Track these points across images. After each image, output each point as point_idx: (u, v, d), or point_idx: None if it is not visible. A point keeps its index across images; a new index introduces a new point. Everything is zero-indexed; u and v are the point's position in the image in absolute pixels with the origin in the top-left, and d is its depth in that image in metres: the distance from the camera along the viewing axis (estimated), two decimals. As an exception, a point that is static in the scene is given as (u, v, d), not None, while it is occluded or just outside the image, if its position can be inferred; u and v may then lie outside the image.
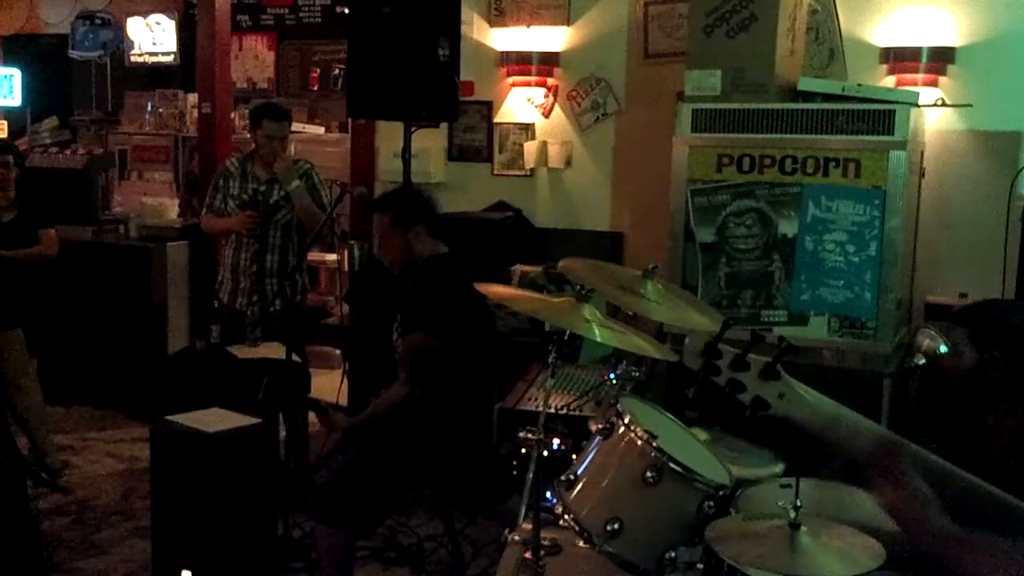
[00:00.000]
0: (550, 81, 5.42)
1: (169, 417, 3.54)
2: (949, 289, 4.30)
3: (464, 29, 4.89)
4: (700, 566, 2.36)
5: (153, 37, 7.60)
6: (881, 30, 4.66)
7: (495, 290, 2.51)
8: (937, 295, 4.42)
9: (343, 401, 4.83)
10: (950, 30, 4.56)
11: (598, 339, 2.35)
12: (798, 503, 1.91)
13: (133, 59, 7.69)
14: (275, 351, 4.08)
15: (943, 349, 3.79)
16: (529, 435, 2.38)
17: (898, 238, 3.87)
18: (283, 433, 4.31)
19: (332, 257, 6.26)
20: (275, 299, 4.51)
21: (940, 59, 4.55)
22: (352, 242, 5.51)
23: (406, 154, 4.64)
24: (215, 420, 3.50)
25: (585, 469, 2.38)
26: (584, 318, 2.40)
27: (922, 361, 3.84)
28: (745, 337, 4.01)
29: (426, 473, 3.46)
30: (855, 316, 3.95)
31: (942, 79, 4.57)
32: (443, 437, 3.39)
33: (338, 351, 6.09)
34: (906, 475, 1.45)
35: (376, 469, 3.30)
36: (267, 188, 4.65)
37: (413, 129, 4.64)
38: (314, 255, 6.09)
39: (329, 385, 4.87)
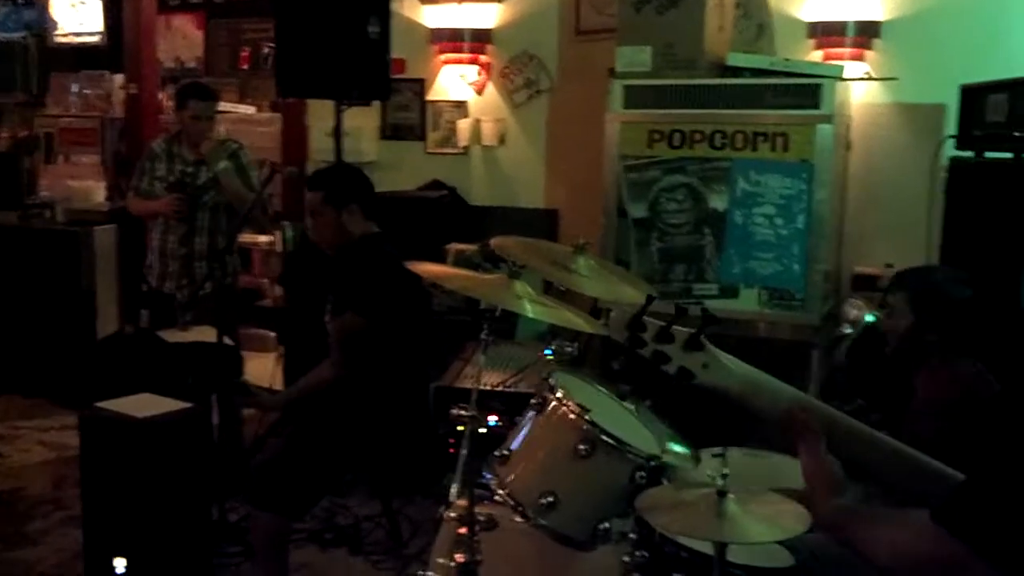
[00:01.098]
0: (483, 58, 5.40)
1: (99, 404, 3.48)
2: (876, 260, 4.38)
3: (395, 6, 4.85)
4: (633, 536, 2.40)
5: (78, 17, 7.39)
6: (808, 5, 4.72)
7: (426, 268, 2.50)
8: (864, 266, 4.50)
9: (278, 384, 4.80)
10: (876, 4, 4.63)
11: (530, 315, 2.35)
12: (725, 472, 1.94)
13: (58, 39, 7.46)
14: (206, 335, 4.02)
15: (869, 319, 3.90)
16: (461, 412, 2.38)
17: (825, 211, 3.94)
18: (217, 417, 4.26)
19: (265, 239, 6.20)
20: (205, 282, 4.45)
21: (866, 33, 4.62)
22: (285, 223, 5.45)
23: (338, 133, 4.60)
24: (145, 405, 3.45)
25: (518, 444, 2.39)
26: (516, 294, 2.40)
27: (849, 330, 3.95)
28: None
29: (361, 454, 3.45)
30: (784, 288, 4.01)
31: (868, 53, 4.64)
32: (377, 417, 3.39)
33: (273, 334, 6.03)
34: (816, 445, 1.48)
35: (309, 451, 3.29)
36: (194, 169, 4.57)
37: (344, 108, 4.59)
38: (247, 237, 6.02)
39: (264, 368, 4.83)
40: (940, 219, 3.92)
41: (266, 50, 7.10)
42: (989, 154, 3.60)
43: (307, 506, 3.38)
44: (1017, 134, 3.24)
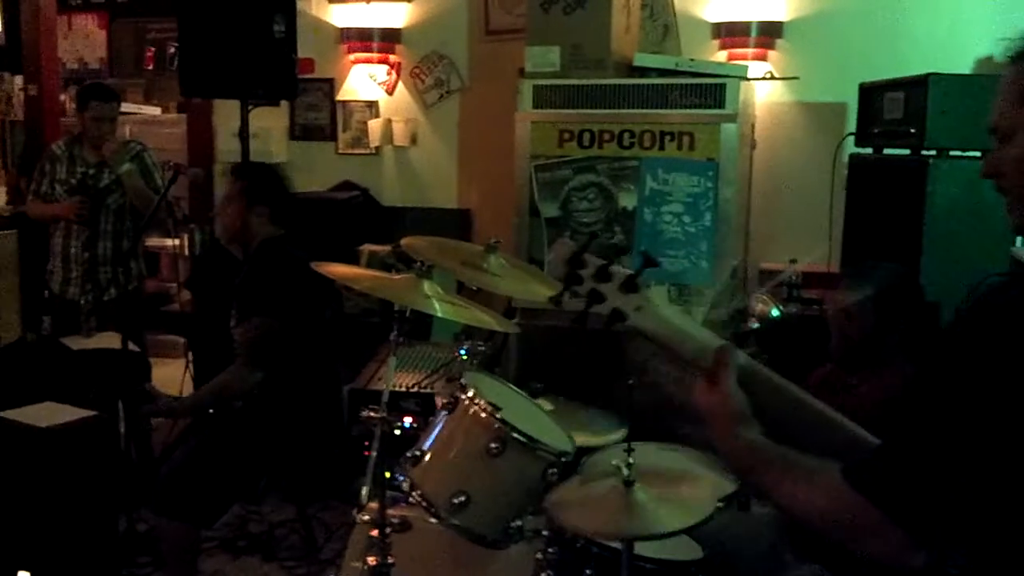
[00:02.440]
0: (392, 58, 5.37)
1: (0, 413, 3.37)
2: (781, 255, 4.48)
3: (302, 5, 4.80)
4: (545, 533, 2.42)
5: (-25, 17, 7.16)
6: (712, 5, 4.81)
7: (334, 270, 2.47)
8: (769, 261, 4.60)
9: (188, 391, 4.71)
10: (778, 5, 4.73)
11: (439, 314, 2.36)
12: (631, 461, 1.97)
13: (-47, 40, 7.22)
14: (111, 341, 3.93)
15: (775, 313, 3.98)
16: (372, 414, 2.36)
17: (731, 208, 4.00)
18: (124, 426, 4.16)
19: (172, 242, 6.06)
20: (109, 287, 4.34)
21: (769, 34, 4.72)
22: (192, 226, 5.35)
23: (244, 134, 4.53)
24: (48, 414, 3.35)
25: (430, 444, 2.39)
26: (425, 294, 2.40)
27: (756, 325, 4.02)
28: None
29: (273, 459, 3.40)
30: (693, 284, 4.07)
31: (771, 53, 4.74)
32: (288, 421, 3.35)
33: (181, 339, 5.91)
34: (725, 379, 1.48)
35: (217, 458, 3.23)
36: (96, 172, 4.46)
37: (251, 108, 4.52)
38: (154, 241, 5.89)
39: (172, 375, 4.72)
40: (842, 214, 4.03)
41: (172, 50, 6.97)
42: (888, 150, 3.71)
43: (217, 513, 3.32)
44: (913, 131, 3.35)
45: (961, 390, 1.21)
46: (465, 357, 3.76)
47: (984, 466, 1.18)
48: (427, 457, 2.35)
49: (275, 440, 3.34)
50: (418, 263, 2.47)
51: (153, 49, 7.12)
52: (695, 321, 1.59)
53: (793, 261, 4.28)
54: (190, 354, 4.96)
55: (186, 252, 5.39)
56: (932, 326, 3.02)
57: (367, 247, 5.06)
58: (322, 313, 3.52)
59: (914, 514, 1.22)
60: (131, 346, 3.87)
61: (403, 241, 2.79)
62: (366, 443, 3.74)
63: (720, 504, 2.18)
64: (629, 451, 2.27)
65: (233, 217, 3.43)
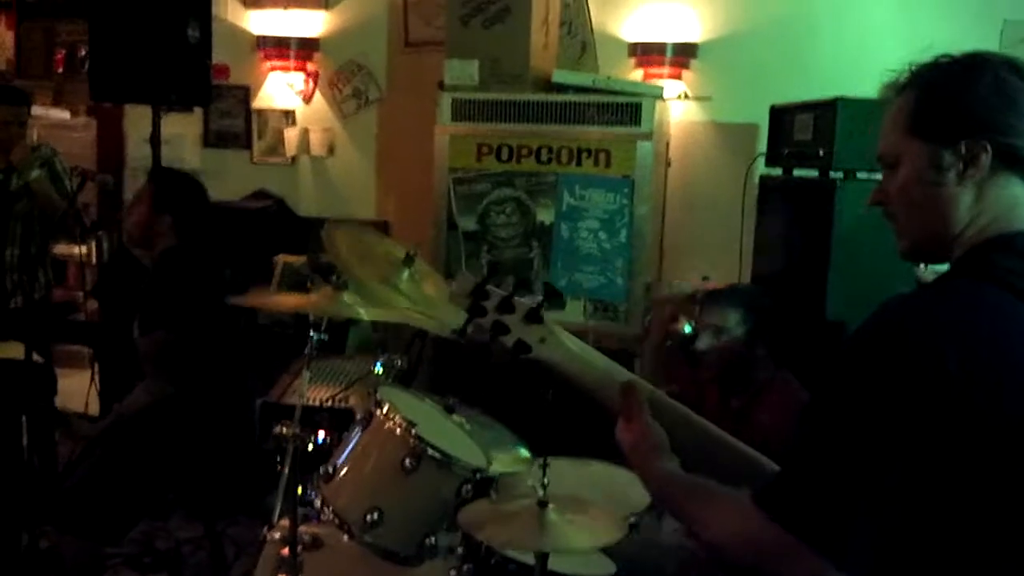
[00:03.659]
0: (310, 66, 5.32)
1: None
2: (694, 272, 4.56)
3: (217, 10, 4.73)
4: (460, 550, 2.41)
5: None
6: (629, 25, 4.87)
7: (254, 300, 2.44)
8: (682, 278, 4.67)
9: (94, 402, 4.59)
10: (693, 26, 4.82)
11: (366, 319, 2.35)
12: (545, 482, 1.98)
13: None
14: (15, 351, 3.80)
15: (687, 330, 4.04)
16: (284, 430, 2.33)
17: (646, 225, 4.07)
18: (27, 439, 4.03)
19: (80, 250, 5.90)
20: (16, 294, 4.21)
21: (683, 54, 4.81)
22: (100, 233, 5.21)
23: (155, 140, 4.44)
24: (-55, 428, 3.23)
25: (344, 460, 2.37)
26: (346, 303, 2.39)
27: (668, 342, 4.09)
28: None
29: (178, 474, 3.33)
30: (608, 300, 4.12)
31: (685, 73, 4.83)
32: (195, 436, 3.28)
33: (88, 349, 5.75)
34: (640, 416, 1.51)
35: (121, 473, 3.16)
36: (3, 177, 4.32)
37: (162, 113, 4.44)
38: (61, 248, 5.72)
39: (79, 386, 4.60)
40: (752, 233, 4.11)
41: (83, 52, 6.77)
42: (797, 171, 3.80)
43: (122, 530, 3.24)
44: (822, 152, 3.44)
45: (852, 406, 1.24)
46: (380, 371, 3.74)
47: (882, 480, 1.21)
48: (340, 473, 2.33)
49: (181, 454, 3.28)
50: (334, 276, 2.45)
51: (63, 51, 6.91)
52: (597, 352, 1.61)
53: (706, 278, 4.36)
54: (97, 364, 4.83)
55: (94, 260, 5.25)
56: (835, 346, 3.10)
57: (282, 258, 4.99)
58: (229, 325, 3.46)
59: (825, 536, 1.24)
60: (36, 357, 3.75)
61: (324, 229, 2.75)
62: (278, 458, 3.73)
63: (633, 520, 2.22)
64: (544, 467, 2.29)
65: (137, 220, 3.38)
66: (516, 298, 1.56)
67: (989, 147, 1.31)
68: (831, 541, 1.24)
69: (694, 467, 1.49)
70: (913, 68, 1.41)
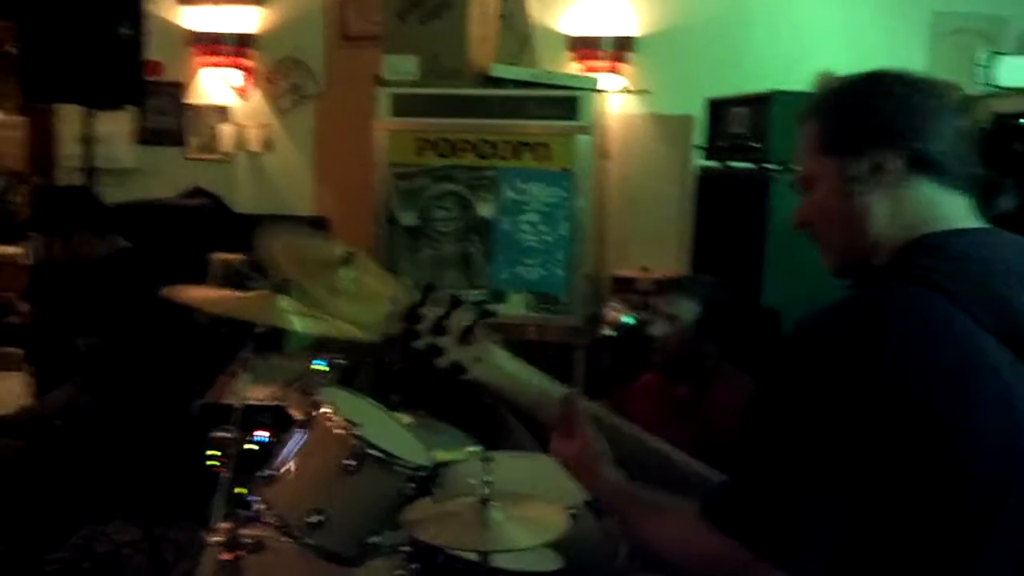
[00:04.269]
0: (245, 62, 5.25)
1: None
2: (634, 263, 4.59)
3: (150, 7, 4.64)
4: (405, 548, 2.40)
5: None
6: (567, 19, 4.88)
7: (184, 294, 2.40)
8: (623, 269, 4.70)
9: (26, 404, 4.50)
10: (631, 20, 4.84)
11: (299, 329, 2.32)
12: (489, 480, 1.99)
13: None
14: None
15: (628, 320, 4.06)
16: (224, 435, 2.31)
17: (586, 218, 4.09)
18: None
19: (13, 250, 5.77)
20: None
21: (622, 47, 4.83)
22: (33, 234, 5.09)
23: (88, 140, 4.35)
24: None
25: (284, 463, 2.35)
26: (281, 309, 2.36)
27: (610, 333, 4.10)
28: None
29: (115, 478, 3.28)
30: (549, 293, 4.13)
31: (624, 66, 4.85)
32: (130, 439, 3.23)
33: (20, 351, 5.63)
34: (580, 427, 1.52)
35: (55, 478, 3.10)
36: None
37: (95, 112, 4.35)
38: (-7, 249, 5.59)
39: (10, 389, 4.50)
40: (691, 223, 4.15)
41: (13, 50, 6.61)
42: (734, 164, 3.84)
43: (62, 535, 3.18)
44: (758, 146, 3.48)
45: (789, 412, 1.25)
46: (321, 369, 3.71)
47: (822, 482, 1.23)
48: (281, 476, 2.31)
49: (117, 458, 3.22)
50: (272, 279, 2.42)
51: (-8, 50, 6.74)
52: (533, 370, 1.62)
53: (645, 269, 4.39)
54: (30, 367, 4.73)
55: (26, 261, 5.13)
56: (772, 334, 3.15)
57: (219, 256, 4.93)
58: (164, 327, 3.40)
59: (771, 542, 1.25)
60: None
61: (259, 238, 2.72)
62: (217, 460, 3.70)
63: (573, 512, 2.23)
64: (486, 461, 2.29)
65: (62, 247, 3.32)
66: (450, 320, 1.55)
67: (896, 154, 1.35)
68: (777, 547, 1.25)
69: (638, 480, 1.50)
70: (815, 95, 1.45)
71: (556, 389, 1.58)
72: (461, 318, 1.56)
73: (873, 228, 1.37)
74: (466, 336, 1.54)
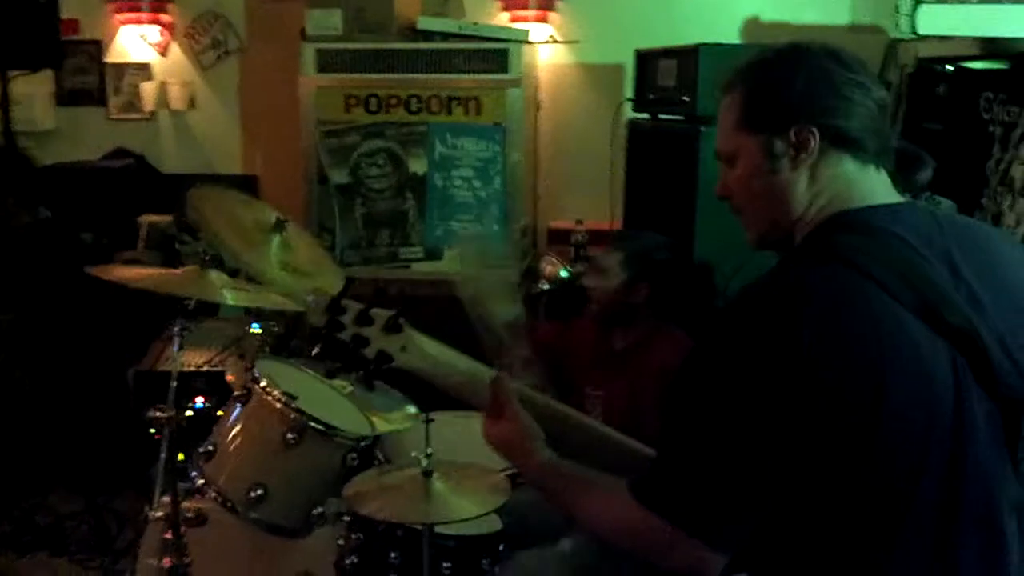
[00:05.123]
0: (164, 18, 5.09)
1: None
2: (569, 215, 4.59)
3: (65, -36, 4.50)
4: (347, 518, 2.42)
5: None
6: (494, -33, 4.81)
7: (111, 272, 2.36)
8: (558, 221, 4.71)
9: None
10: (557, -34, 4.79)
11: (231, 303, 2.30)
12: (429, 451, 2.00)
13: None
14: None
15: (564, 274, 4.10)
16: (159, 413, 2.29)
17: (520, 172, 4.08)
18: None
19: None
20: None
21: (549, -5, 4.78)
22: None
23: (5, 104, 4.22)
24: None
25: (224, 438, 2.35)
26: (212, 283, 2.34)
27: (546, 286, 4.13)
28: (388, 276, 4.07)
29: (52, 449, 3.25)
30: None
31: (552, 15, 4.80)
32: (63, 409, 3.19)
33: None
34: (510, 408, 1.54)
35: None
36: None
37: (12, 76, 4.22)
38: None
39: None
40: (622, 174, 4.17)
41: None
42: (663, 116, 3.86)
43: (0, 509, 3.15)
44: (686, 99, 3.49)
45: (713, 392, 1.28)
46: (257, 331, 3.69)
47: (747, 460, 1.26)
48: (221, 452, 2.31)
49: (54, 430, 3.19)
50: (201, 250, 2.39)
51: None
52: (459, 353, 1.63)
53: (579, 221, 4.40)
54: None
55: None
56: (705, 287, 3.19)
57: (147, 218, 4.83)
58: (92, 296, 3.34)
59: (699, 520, 1.28)
60: None
61: (190, 193, 2.68)
62: (154, 433, 3.68)
63: (512, 479, 2.26)
64: (428, 422, 2.30)
65: None
66: (374, 309, 1.55)
67: (816, 131, 1.37)
68: (702, 524, 1.29)
69: (570, 458, 1.52)
70: (738, 66, 1.45)
71: (485, 372, 1.60)
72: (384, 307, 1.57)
73: (793, 205, 1.40)
74: (391, 325, 1.55)
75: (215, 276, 2.37)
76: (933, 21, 3.16)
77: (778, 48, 1.45)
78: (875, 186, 1.40)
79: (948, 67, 3.71)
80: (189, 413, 2.57)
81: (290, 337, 3.65)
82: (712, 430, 1.27)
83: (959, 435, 1.26)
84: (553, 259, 4.18)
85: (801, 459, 1.24)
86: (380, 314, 1.56)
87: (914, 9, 3.21)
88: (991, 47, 3.34)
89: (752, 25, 4.66)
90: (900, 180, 1.44)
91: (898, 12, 3.26)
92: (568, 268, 4.13)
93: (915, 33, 3.20)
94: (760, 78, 1.43)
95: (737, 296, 1.33)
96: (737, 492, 1.27)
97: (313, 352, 1.55)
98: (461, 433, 2.78)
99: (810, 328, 1.22)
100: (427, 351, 1.59)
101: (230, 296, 2.38)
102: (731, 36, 4.61)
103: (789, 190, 1.40)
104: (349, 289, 1.60)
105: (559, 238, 4.60)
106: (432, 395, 1.71)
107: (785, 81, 1.39)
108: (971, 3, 3.11)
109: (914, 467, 1.25)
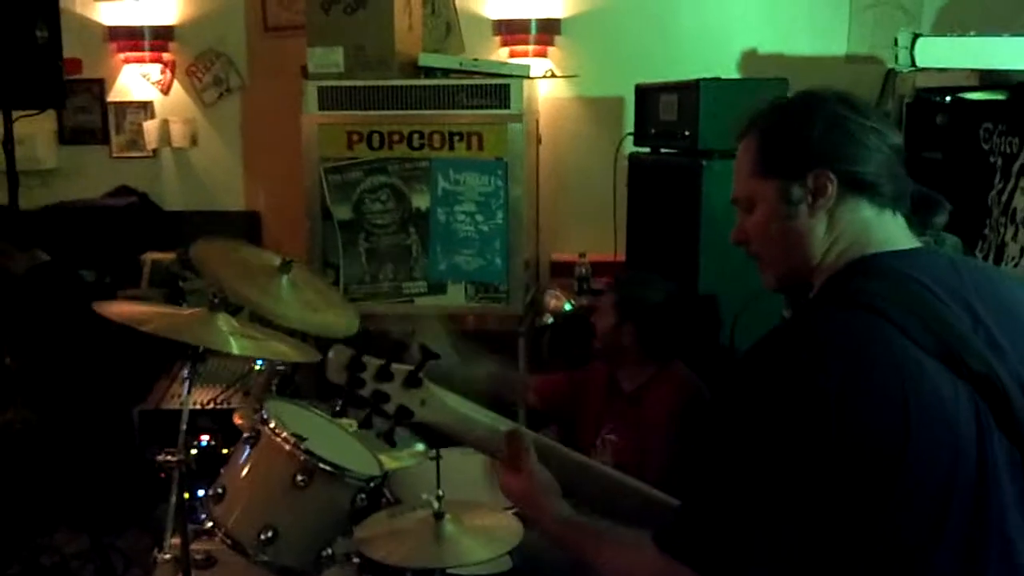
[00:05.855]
0: (166, 56, 5.13)
1: None
2: (571, 248, 4.61)
3: (66, 4, 4.54)
4: (356, 560, 2.41)
5: None
6: (492, 2, 4.85)
7: (115, 310, 2.36)
8: (561, 253, 4.73)
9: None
10: (555, 2, 4.83)
11: (235, 352, 2.30)
12: (440, 493, 2.00)
13: None
14: None
15: (568, 307, 4.11)
16: (168, 457, 2.29)
17: (522, 206, 4.10)
18: None
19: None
20: None
21: (547, 31, 4.81)
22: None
23: (9, 144, 4.23)
24: None
25: (233, 480, 2.33)
26: (219, 329, 2.34)
27: (551, 320, 4.15)
28: (391, 311, 4.07)
29: (58, 488, 3.24)
30: (488, 282, 4.15)
31: (551, 50, 4.84)
32: (69, 449, 3.19)
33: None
34: (526, 463, 1.55)
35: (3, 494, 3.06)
36: None
37: (16, 117, 4.23)
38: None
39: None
40: (625, 207, 4.19)
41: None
42: (664, 150, 3.88)
43: (7, 550, 3.14)
44: (688, 133, 3.51)
45: (741, 441, 1.29)
46: (260, 368, 3.69)
47: (777, 509, 1.26)
48: (231, 494, 2.29)
49: (61, 469, 3.18)
50: (211, 294, 2.40)
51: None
52: (479, 406, 1.64)
53: (582, 255, 4.42)
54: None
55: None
56: (709, 320, 3.20)
57: (150, 255, 4.85)
58: (96, 336, 3.34)
59: (729, 569, 1.28)
60: None
61: (193, 249, 2.70)
62: (161, 473, 3.68)
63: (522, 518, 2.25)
64: (436, 459, 2.31)
65: None
66: (394, 365, 1.56)
67: (833, 176, 1.38)
68: (732, 573, 1.28)
69: (590, 508, 1.53)
70: (753, 113, 1.47)
71: (503, 422, 1.60)
72: (405, 363, 1.58)
73: (811, 250, 1.41)
74: (411, 379, 1.56)
75: (222, 320, 2.37)
76: (931, 54, 3.18)
77: (793, 96, 1.46)
78: (893, 230, 1.41)
79: (947, 98, 3.73)
80: (194, 451, 2.57)
81: (294, 376, 3.65)
82: (739, 479, 1.27)
83: (983, 478, 1.26)
84: (557, 293, 4.19)
85: (828, 506, 1.24)
86: (400, 369, 1.57)
87: (912, 42, 3.24)
88: (989, 78, 3.37)
89: (750, 57, 4.70)
90: (916, 223, 1.46)
91: (896, 45, 3.29)
92: (572, 301, 4.14)
93: (914, 66, 3.23)
94: (776, 124, 1.45)
95: (760, 344, 1.33)
96: (764, 540, 1.27)
97: (336, 407, 1.56)
98: (469, 470, 2.79)
99: (835, 378, 1.22)
100: (447, 404, 1.60)
101: (236, 346, 2.37)
102: (729, 68, 4.65)
103: (807, 236, 1.41)
104: (369, 344, 1.61)
105: (562, 271, 4.62)
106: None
107: (801, 127, 1.41)
108: (969, 35, 3.14)
109: (939, 511, 1.25)
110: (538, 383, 3.10)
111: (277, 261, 2.63)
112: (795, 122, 1.42)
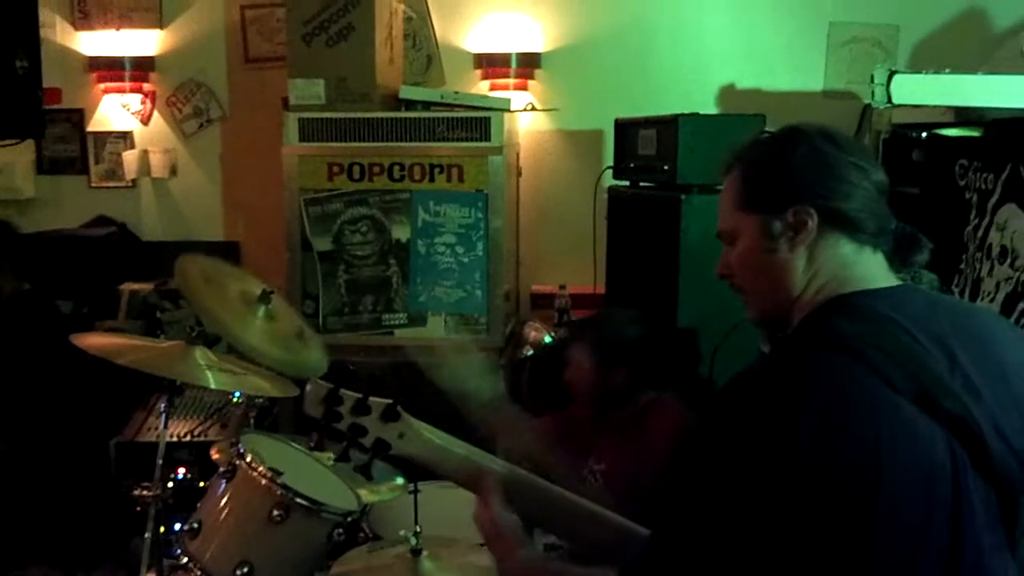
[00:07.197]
0: (146, 86, 5.13)
1: None
2: (552, 279, 4.62)
3: (46, 32, 4.52)
4: (334, 595, 2.39)
5: None
6: (473, 36, 4.88)
7: (91, 343, 2.35)
8: (541, 284, 4.74)
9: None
10: (536, 36, 4.87)
11: (212, 386, 2.29)
12: (418, 529, 1.99)
13: None
14: None
15: (548, 339, 4.10)
16: (145, 492, 2.27)
17: (502, 237, 4.10)
18: None
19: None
20: None
21: (528, 64, 4.85)
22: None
23: (-13, 174, 4.23)
24: None
25: (209, 515, 2.32)
26: (197, 363, 2.32)
27: (530, 352, 4.14)
28: (372, 342, 4.07)
29: (31, 522, 3.20)
30: (468, 313, 4.15)
31: (531, 83, 4.87)
32: (43, 482, 3.16)
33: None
34: (492, 506, 1.54)
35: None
36: None
37: (-5, 147, 4.22)
38: None
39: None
40: (605, 239, 4.20)
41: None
42: (643, 183, 3.90)
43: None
44: (666, 168, 3.53)
45: (709, 482, 1.27)
46: (237, 400, 3.66)
47: (742, 551, 1.25)
48: (207, 529, 2.28)
49: (35, 503, 3.15)
50: (188, 327, 2.39)
51: None
52: (456, 439, 1.64)
53: (562, 287, 4.43)
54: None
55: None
56: (689, 352, 3.21)
57: (128, 286, 4.82)
58: (70, 369, 3.32)
59: None
60: None
61: (177, 263, 2.69)
62: (137, 507, 3.64)
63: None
64: (415, 492, 2.29)
65: None
66: (371, 399, 1.56)
67: (814, 211, 1.39)
68: None
69: (564, 539, 1.52)
70: (736, 148, 1.49)
71: (480, 455, 1.60)
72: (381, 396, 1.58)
73: (791, 285, 1.42)
74: (388, 413, 1.55)
75: (199, 354, 2.36)
76: (907, 91, 3.21)
77: (776, 131, 1.48)
78: (872, 268, 1.42)
79: (923, 133, 3.78)
80: (170, 484, 2.56)
81: (271, 408, 3.64)
82: (707, 515, 1.26)
83: (958, 520, 1.26)
84: (536, 324, 4.19)
85: (798, 547, 1.23)
86: (377, 403, 1.57)
87: (889, 79, 3.27)
88: (964, 114, 3.41)
89: (728, 92, 4.75)
90: (897, 261, 1.47)
91: (873, 81, 3.32)
92: (552, 333, 4.14)
93: (890, 102, 3.26)
94: (758, 159, 1.46)
95: (734, 382, 1.33)
96: None
97: (312, 442, 1.55)
98: (448, 505, 2.78)
99: (810, 417, 1.22)
100: (425, 438, 1.60)
101: (213, 380, 2.36)
102: (707, 103, 4.69)
103: (787, 270, 1.42)
104: (346, 379, 1.61)
105: (542, 303, 4.62)
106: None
107: (782, 162, 1.42)
108: (944, 73, 3.18)
109: (914, 553, 1.24)
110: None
111: (258, 289, 2.62)
112: (777, 157, 1.44)
